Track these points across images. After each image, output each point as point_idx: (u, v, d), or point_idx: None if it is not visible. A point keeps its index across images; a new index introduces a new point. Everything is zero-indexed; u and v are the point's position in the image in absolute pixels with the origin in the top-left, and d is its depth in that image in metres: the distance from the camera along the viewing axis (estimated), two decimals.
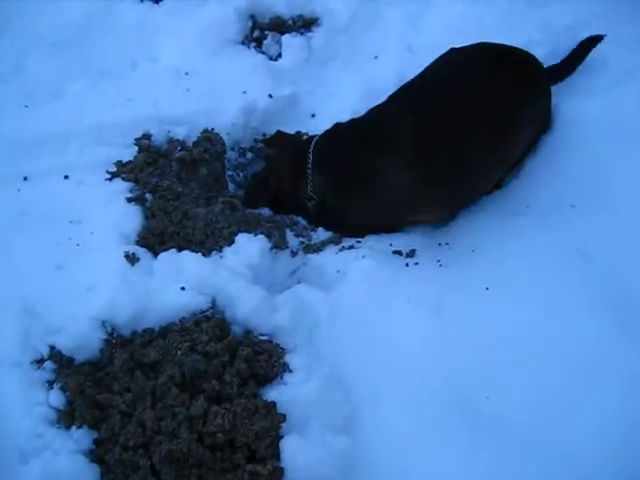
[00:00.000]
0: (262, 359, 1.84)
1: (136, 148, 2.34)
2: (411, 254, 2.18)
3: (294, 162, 2.31)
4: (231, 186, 2.41)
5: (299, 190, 2.30)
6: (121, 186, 2.23)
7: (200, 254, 2.03)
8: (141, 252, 2.05)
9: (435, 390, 1.88)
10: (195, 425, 1.71)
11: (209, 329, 1.86)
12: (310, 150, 2.26)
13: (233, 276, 1.95)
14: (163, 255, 2.03)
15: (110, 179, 2.27)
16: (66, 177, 2.32)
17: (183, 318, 1.89)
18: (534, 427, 1.82)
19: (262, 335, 1.90)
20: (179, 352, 1.81)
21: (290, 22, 2.92)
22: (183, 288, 1.93)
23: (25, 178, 2.32)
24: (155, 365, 1.82)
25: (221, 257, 2.07)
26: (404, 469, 1.75)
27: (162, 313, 1.90)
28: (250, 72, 2.66)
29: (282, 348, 1.89)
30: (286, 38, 2.86)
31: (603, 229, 2.12)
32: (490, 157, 2.21)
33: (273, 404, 1.76)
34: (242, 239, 2.09)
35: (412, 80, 2.27)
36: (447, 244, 2.24)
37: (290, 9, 2.94)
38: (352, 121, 2.32)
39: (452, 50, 2.28)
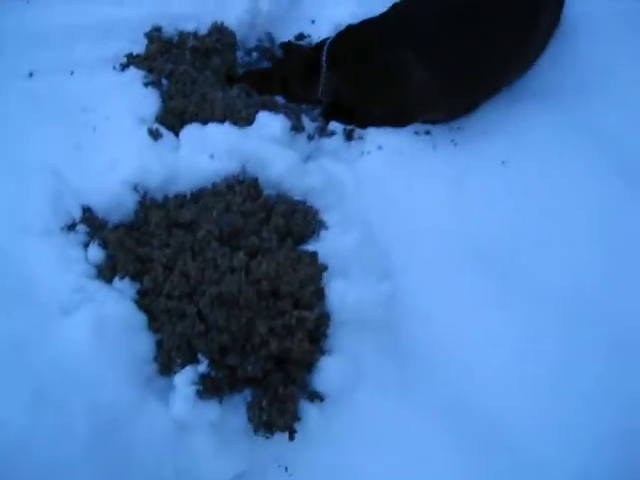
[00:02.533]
0: (298, 216, 1.85)
1: (146, 43, 2.31)
2: (427, 134, 2.22)
3: (305, 69, 2.31)
4: None
5: (308, 95, 2.31)
6: (135, 74, 2.20)
7: (227, 124, 2.03)
8: (163, 130, 2.04)
9: (458, 248, 1.96)
10: (239, 275, 1.71)
11: (243, 190, 1.86)
12: (324, 52, 2.27)
13: (263, 142, 1.96)
14: (188, 127, 2.02)
15: (122, 69, 2.24)
16: (72, 73, 2.27)
17: (215, 183, 1.89)
18: (559, 281, 1.91)
19: (295, 197, 1.92)
20: (215, 212, 1.81)
21: None
22: (212, 156, 1.93)
23: (30, 74, 2.27)
24: (191, 225, 1.81)
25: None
26: (437, 312, 1.83)
27: (193, 179, 1.90)
28: None
29: (316, 209, 1.90)
30: None
31: (607, 109, 2.23)
32: (505, 63, 2.24)
33: (315, 253, 1.78)
34: (263, 117, 2.09)
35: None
36: (459, 128, 2.29)
37: None
38: (366, 21, 2.32)
39: None
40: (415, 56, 2.17)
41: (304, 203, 1.90)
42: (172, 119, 2.09)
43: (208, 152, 1.94)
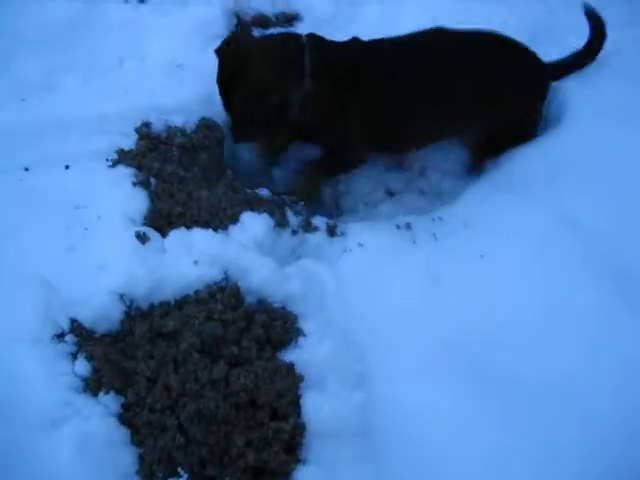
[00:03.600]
0: (277, 325, 1.93)
1: (136, 136, 2.40)
2: (407, 228, 2.30)
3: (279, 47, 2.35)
4: (229, 171, 2.48)
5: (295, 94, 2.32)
6: (125, 172, 2.29)
7: (210, 230, 2.11)
8: (150, 232, 2.12)
9: (437, 347, 2.01)
10: (218, 387, 1.79)
11: (224, 299, 1.94)
12: (302, 38, 2.35)
13: (244, 249, 2.04)
14: (173, 232, 2.10)
15: (113, 166, 2.32)
16: (67, 167, 2.36)
17: (198, 290, 1.97)
18: (528, 376, 1.95)
19: (275, 303, 1.99)
20: (197, 321, 1.89)
21: (273, 19, 3.04)
22: (196, 262, 2.01)
23: (26, 169, 2.36)
24: (174, 334, 1.89)
25: (227, 235, 2.15)
26: (414, 417, 1.87)
27: (177, 286, 1.98)
28: None
29: (295, 315, 1.98)
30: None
31: (584, 198, 2.29)
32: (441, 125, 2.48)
33: (292, 364, 1.85)
34: (247, 217, 2.17)
35: (403, 36, 2.44)
36: (440, 219, 2.36)
37: (272, 7, 3.07)
38: (345, 46, 2.42)
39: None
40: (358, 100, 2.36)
41: (284, 309, 1.98)
42: (159, 220, 2.17)
43: (192, 258, 2.02)
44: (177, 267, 2.00)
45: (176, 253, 2.04)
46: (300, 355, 1.88)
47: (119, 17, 3.02)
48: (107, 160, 2.35)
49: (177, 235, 2.09)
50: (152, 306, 1.94)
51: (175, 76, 2.67)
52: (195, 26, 2.94)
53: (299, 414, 1.80)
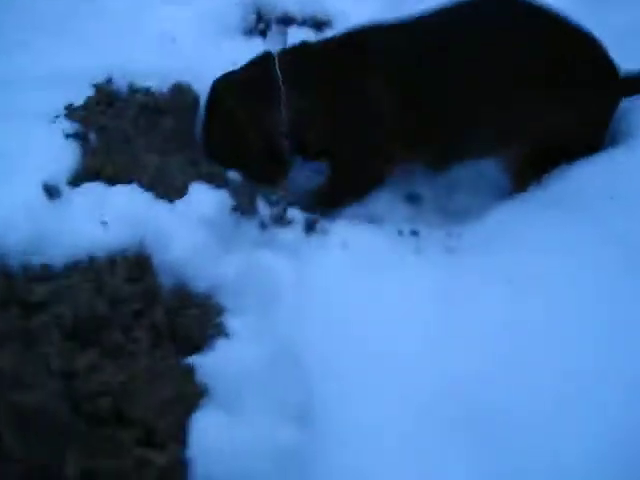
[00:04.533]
0: (190, 314, 1.32)
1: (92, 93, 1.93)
2: (413, 235, 1.69)
3: (251, 82, 1.91)
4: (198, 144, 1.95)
5: (273, 122, 1.86)
6: (64, 126, 1.80)
7: (136, 186, 1.56)
8: (66, 189, 1.59)
9: (427, 398, 1.35)
10: (74, 383, 1.17)
11: (124, 269, 1.35)
12: (275, 65, 1.87)
13: (172, 213, 1.47)
14: (87, 185, 1.55)
15: (54, 120, 1.84)
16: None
17: (93, 256, 1.39)
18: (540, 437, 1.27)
19: (198, 288, 1.39)
20: (74, 293, 1.30)
21: (299, 19, 2.62)
22: (105, 222, 1.45)
23: None
24: (42, 306, 1.30)
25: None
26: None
27: (69, 248, 1.41)
28: (245, 52, 2.28)
29: (221, 307, 1.37)
30: (293, 30, 2.53)
31: None
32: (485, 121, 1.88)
33: (191, 369, 1.22)
34: (196, 189, 1.62)
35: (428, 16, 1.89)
36: (460, 235, 1.75)
37: (301, 7, 2.65)
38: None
39: None
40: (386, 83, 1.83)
41: (207, 297, 1.37)
42: (86, 178, 1.64)
43: (102, 217, 1.46)
44: (76, 224, 1.44)
45: (83, 209, 1.49)
46: (212, 359, 1.26)
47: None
48: (50, 114, 1.87)
49: (91, 188, 1.55)
50: (27, 267, 1.37)
51: (165, 48, 2.24)
52: (207, 17, 2.53)
53: (185, 443, 1.14)
